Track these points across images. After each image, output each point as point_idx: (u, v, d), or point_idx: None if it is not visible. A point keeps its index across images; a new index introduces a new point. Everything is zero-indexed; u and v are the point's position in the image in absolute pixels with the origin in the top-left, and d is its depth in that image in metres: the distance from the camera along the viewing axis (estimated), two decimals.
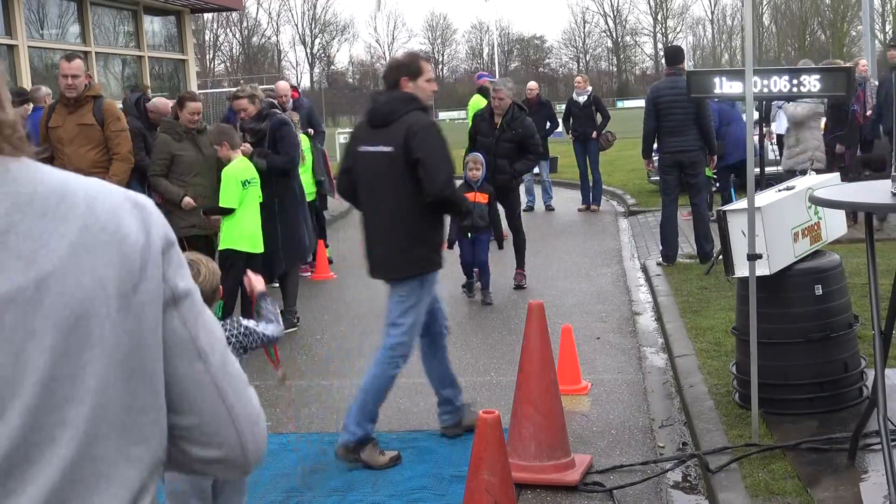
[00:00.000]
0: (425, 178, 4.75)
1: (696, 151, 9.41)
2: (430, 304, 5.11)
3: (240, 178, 7.21)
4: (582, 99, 14.45)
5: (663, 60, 10.63)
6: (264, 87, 10.66)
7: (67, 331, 1.07)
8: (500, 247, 8.74)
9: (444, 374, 5.20)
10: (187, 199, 7.54)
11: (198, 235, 7.67)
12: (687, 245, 10.36)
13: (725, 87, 8.22)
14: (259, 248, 7.36)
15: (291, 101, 11.17)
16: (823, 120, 11.52)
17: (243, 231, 7.25)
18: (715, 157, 9.75)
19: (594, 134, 14.38)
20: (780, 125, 12.64)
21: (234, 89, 8.71)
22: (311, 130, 10.41)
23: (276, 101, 8.71)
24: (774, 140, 12.28)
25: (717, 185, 11.82)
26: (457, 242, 8.48)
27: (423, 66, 4.96)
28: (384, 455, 4.87)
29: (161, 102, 9.13)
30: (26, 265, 1.05)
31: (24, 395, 1.05)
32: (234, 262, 6.96)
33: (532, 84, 15.17)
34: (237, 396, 1.25)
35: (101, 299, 1.10)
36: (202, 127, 7.94)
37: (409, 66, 4.94)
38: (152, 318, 1.16)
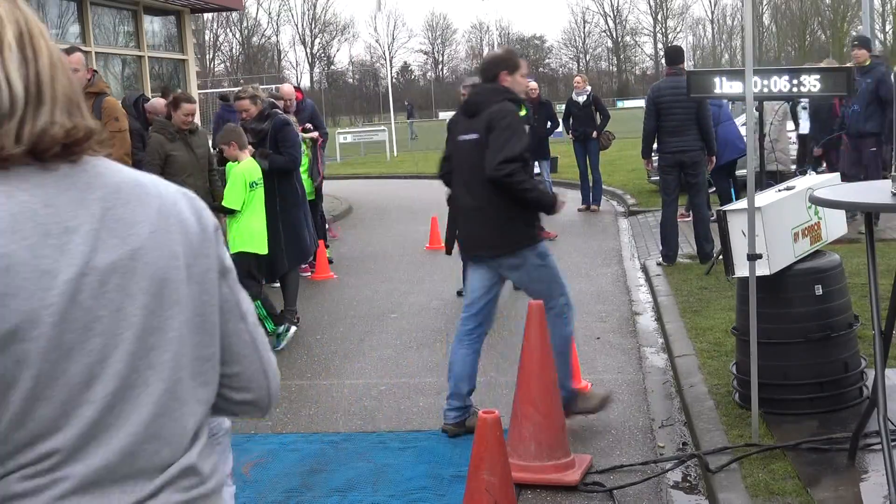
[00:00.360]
0: (486, 157, 5.00)
1: (697, 151, 9.41)
2: (490, 302, 5.31)
3: (248, 180, 7.21)
4: (581, 99, 14.42)
5: (663, 60, 10.65)
6: (265, 86, 10.64)
7: (154, 293, 1.36)
8: None
9: (468, 371, 5.25)
10: None
11: None
12: (687, 245, 10.36)
13: (725, 87, 8.23)
14: (264, 249, 7.37)
15: (295, 104, 11.17)
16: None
17: (252, 233, 7.26)
18: (713, 158, 9.71)
19: (594, 134, 14.37)
20: (804, 125, 12.68)
21: (228, 90, 8.70)
22: (308, 125, 10.38)
23: (276, 102, 8.69)
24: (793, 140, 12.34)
25: (714, 186, 11.88)
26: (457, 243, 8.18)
27: (520, 61, 5.35)
28: (595, 398, 5.37)
29: (159, 103, 9.11)
30: (122, 242, 1.34)
31: (125, 344, 1.34)
32: (244, 264, 6.97)
33: (532, 84, 15.14)
34: (265, 351, 1.57)
35: (175, 270, 1.40)
36: (194, 127, 7.93)
37: (508, 61, 5.28)
38: (211, 285, 1.46)
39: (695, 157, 9.41)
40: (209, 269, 1.45)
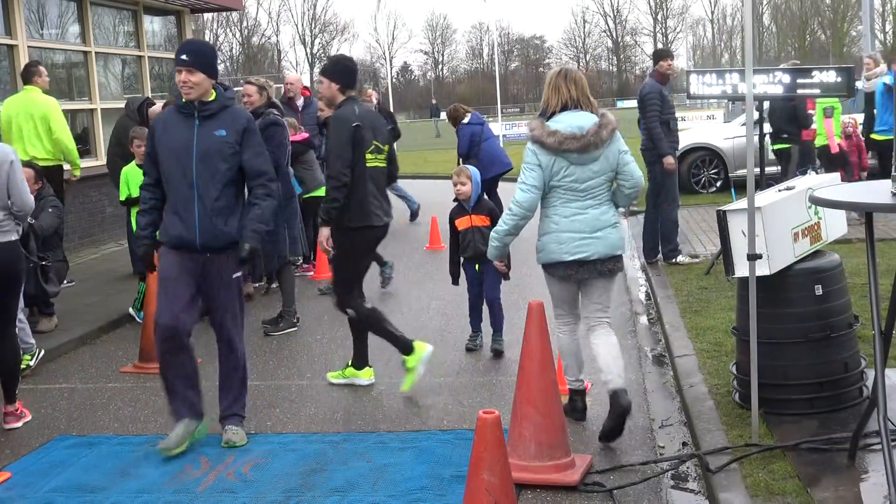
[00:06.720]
0: None
1: (649, 151, 9.54)
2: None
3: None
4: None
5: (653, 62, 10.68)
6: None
7: None
8: (507, 277, 6.73)
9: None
10: None
11: None
12: (687, 245, 10.37)
13: (724, 86, 8.25)
14: None
15: (302, 99, 11.15)
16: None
17: None
18: (667, 160, 9.52)
19: None
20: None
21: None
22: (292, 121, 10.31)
23: (277, 103, 8.68)
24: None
25: None
26: (463, 277, 7.07)
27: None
28: None
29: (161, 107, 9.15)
30: None
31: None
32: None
33: (370, 92, 14.61)
34: None
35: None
36: None
37: None
38: None
39: (647, 156, 9.56)
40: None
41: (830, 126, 11.61)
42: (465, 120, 12.29)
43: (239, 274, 5.30)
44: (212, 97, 5.19)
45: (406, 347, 6.15)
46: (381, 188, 6.12)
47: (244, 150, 5.16)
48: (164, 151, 5.17)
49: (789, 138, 11.67)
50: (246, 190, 5.32)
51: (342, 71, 6.10)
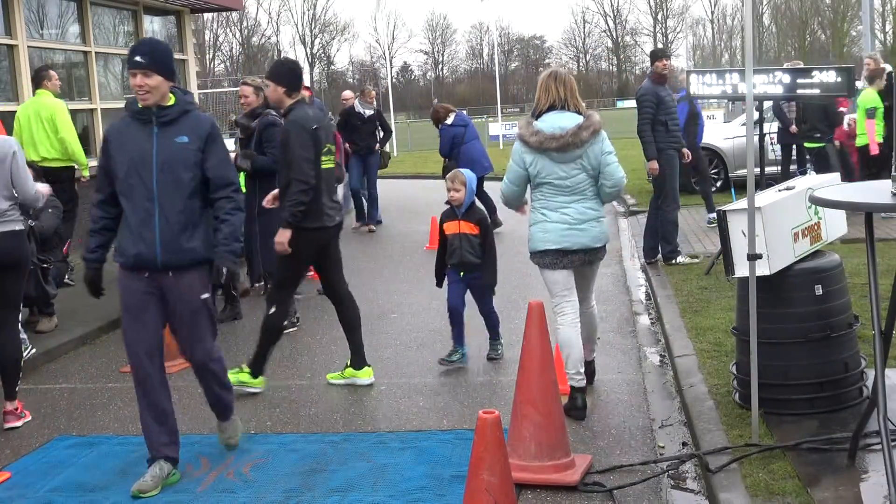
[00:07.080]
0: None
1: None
2: None
3: None
4: (368, 112, 13.79)
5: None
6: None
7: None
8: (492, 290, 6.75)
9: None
10: None
11: None
12: (687, 245, 10.38)
13: (725, 86, 8.24)
14: None
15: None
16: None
17: None
18: (652, 164, 9.49)
19: (377, 147, 14.01)
20: None
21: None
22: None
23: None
24: (775, 140, 12.34)
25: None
26: (446, 283, 6.77)
27: None
28: None
29: None
30: None
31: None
32: None
33: (347, 94, 14.78)
34: None
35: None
36: None
37: None
38: None
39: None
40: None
41: (872, 127, 11.52)
42: (449, 121, 12.23)
43: (207, 295, 4.78)
44: (171, 101, 4.64)
45: (256, 372, 6.22)
46: (331, 189, 6.18)
47: (208, 158, 4.62)
48: (121, 163, 4.61)
49: (821, 137, 11.65)
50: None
51: (286, 73, 6.08)
